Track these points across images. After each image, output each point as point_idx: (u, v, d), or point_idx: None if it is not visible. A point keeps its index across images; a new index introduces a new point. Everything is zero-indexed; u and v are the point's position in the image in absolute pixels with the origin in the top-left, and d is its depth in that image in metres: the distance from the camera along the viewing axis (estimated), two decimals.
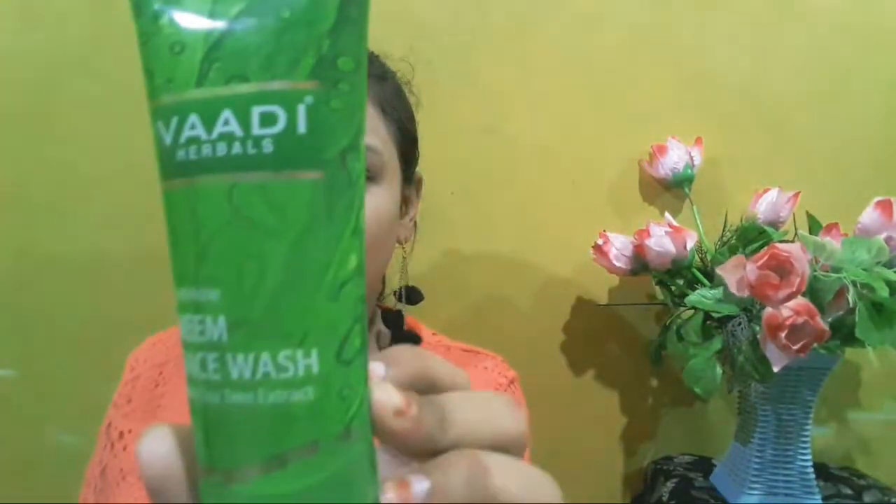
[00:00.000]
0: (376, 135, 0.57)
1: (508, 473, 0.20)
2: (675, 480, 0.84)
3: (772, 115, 0.93)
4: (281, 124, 0.18)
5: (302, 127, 0.18)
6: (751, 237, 0.80)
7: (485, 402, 0.22)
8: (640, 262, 0.83)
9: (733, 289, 0.70)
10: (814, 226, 0.77)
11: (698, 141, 0.90)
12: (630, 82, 0.93)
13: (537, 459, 0.33)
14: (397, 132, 0.60)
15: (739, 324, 0.71)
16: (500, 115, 0.92)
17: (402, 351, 0.22)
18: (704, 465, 0.90)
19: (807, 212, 0.79)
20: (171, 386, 0.62)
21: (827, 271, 0.68)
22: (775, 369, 0.67)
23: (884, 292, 0.64)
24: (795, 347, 0.65)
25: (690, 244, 0.80)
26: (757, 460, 0.78)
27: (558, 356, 0.95)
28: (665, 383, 0.95)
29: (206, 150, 0.18)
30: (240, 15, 0.18)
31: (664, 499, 0.82)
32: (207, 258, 0.18)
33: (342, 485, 0.19)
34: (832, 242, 0.69)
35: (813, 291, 0.67)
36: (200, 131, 0.18)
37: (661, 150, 0.89)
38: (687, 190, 0.90)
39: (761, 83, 0.93)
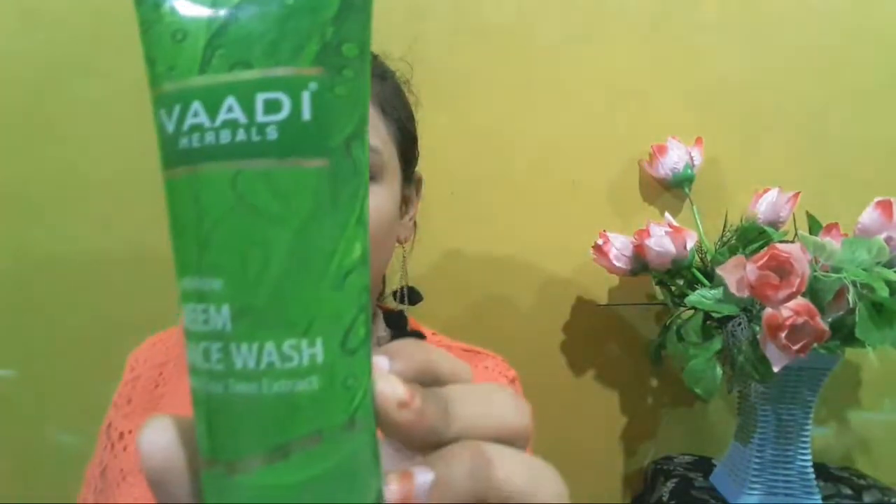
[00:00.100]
0: (376, 134, 0.56)
1: (512, 465, 0.20)
2: (675, 480, 0.84)
3: (771, 116, 0.93)
4: (285, 111, 0.18)
5: (306, 114, 0.18)
6: (751, 237, 0.79)
7: (488, 395, 0.22)
8: (640, 263, 0.83)
9: (733, 289, 0.70)
10: (814, 226, 0.77)
11: (698, 141, 0.90)
12: (630, 82, 0.93)
13: None
14: (397, 132, 0.60)
15: (739, 324, 0.71)
16: (499, 115, 0.92)
17: (406, 344, 0.22)
18: (704, 465, 0.90)
19: (807, 212, 0.79)
20: (171, 386, 0.62)
21: (827, 271, 0.68)
22: (775, 369, 0.67)
23: (884, 292, 0.64)
24: (795, 347, 0.65)
25: (690, 244, 0.80)
26: (757, 460, 0.78)
27: (558, 356, 0.94)
28: (665, 383, 0.95)
29: (210, 137, 0.18)
30: (243, 2, 0.18)
31: (664, 499, 0.82)
32: (211, 246, 0.18)
33: (345, 475, 0.18)
34: (832, 242, 0.69)
35: (813, 292, 0.67)
36: (204, 119, 0.18)
37: (661, 150, 0.89)
38: (687, 190, 0.90)
39: (761, 84, 0.93)
